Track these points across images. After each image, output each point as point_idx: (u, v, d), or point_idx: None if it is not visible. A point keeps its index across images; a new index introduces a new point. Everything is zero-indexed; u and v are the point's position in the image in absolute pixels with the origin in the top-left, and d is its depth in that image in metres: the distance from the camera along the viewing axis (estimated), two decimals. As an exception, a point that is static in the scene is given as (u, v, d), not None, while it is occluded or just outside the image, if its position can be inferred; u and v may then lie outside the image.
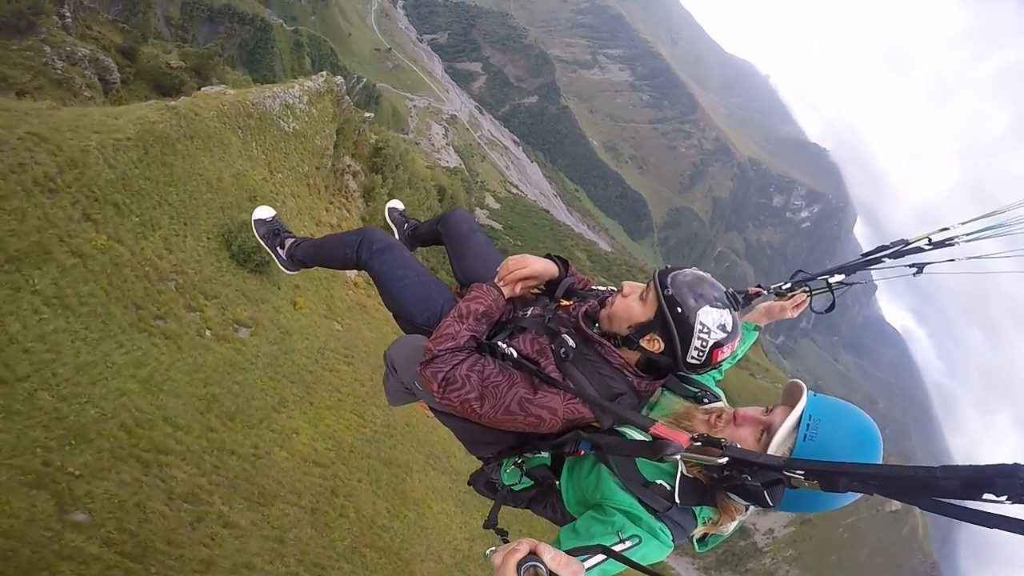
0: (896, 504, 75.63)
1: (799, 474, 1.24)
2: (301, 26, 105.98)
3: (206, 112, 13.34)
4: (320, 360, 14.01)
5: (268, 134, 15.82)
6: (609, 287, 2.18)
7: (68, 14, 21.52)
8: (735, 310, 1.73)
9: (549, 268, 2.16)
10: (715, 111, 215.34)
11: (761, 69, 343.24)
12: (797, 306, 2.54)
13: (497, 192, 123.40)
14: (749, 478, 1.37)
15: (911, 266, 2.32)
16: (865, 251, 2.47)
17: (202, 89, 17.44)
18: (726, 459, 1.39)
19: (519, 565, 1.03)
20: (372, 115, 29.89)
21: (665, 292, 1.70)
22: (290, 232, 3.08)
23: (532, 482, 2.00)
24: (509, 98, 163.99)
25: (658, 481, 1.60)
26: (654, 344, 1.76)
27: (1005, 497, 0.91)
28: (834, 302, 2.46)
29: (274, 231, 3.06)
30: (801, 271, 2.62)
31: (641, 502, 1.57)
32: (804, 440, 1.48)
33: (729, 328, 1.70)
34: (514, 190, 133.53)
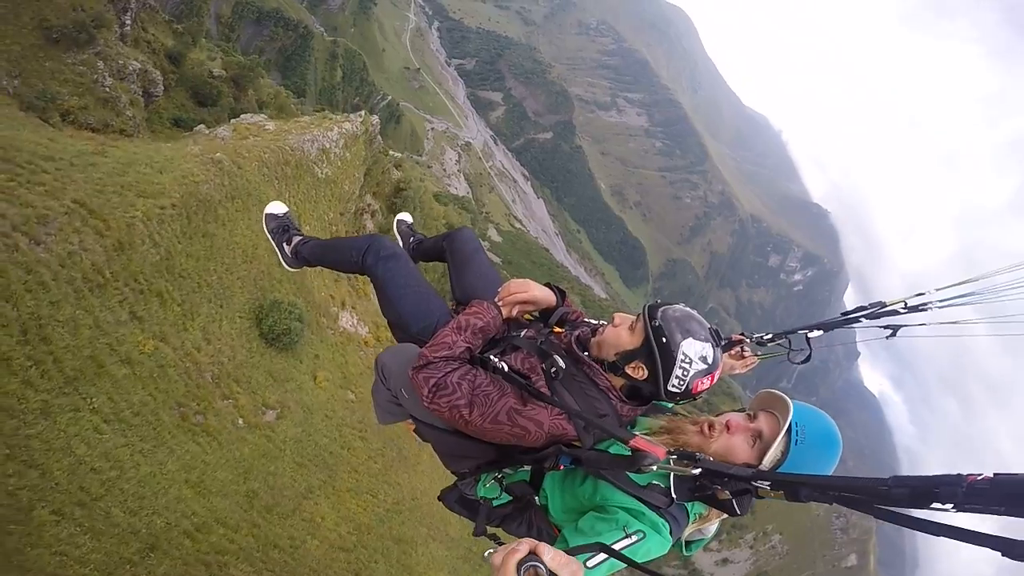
0: (852, 560, 78.18)
1: (766, 485, 1.36)
2: (340, 37, 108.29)
3: (248, 164, 13.66)
4: (339, 438, 14.77)
5: (302, 182, 16.08)
6: (601, 321, 2.24)
7: (128, 21, 21.34)
8: (717, 346, 1.83)
9: (547, 296, 2.31)
10: (724, 164, 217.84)
11: (775, 123, 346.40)
12: (747, 365, 2.67)
13: (501, 225, 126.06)
14: (719, 488, 1.53)
15: (886, 327, 2.38)
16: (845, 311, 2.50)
17: (240, 118, 17.85)
18: (699, 470, 1.50)
19: (519, 565, 1.03)
20: (399, 155, 30.69)
21: (653, 323, 1.82)
22: (299, 230, 3.15)
23: (510, 498, 2.11)
24: (525, 131, 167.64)
25: (653, 482, 1.74)
26: (638, 371, 1.87)
27: (951, 505, 0.99)
28: (810, 355, 2.52)
29: (283, 227, 3.13)
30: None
31: (642, 500, 1.70)
32: (796, 444, 1.66)
33: (710, 361, 1.79)
34: (517, 225, 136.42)
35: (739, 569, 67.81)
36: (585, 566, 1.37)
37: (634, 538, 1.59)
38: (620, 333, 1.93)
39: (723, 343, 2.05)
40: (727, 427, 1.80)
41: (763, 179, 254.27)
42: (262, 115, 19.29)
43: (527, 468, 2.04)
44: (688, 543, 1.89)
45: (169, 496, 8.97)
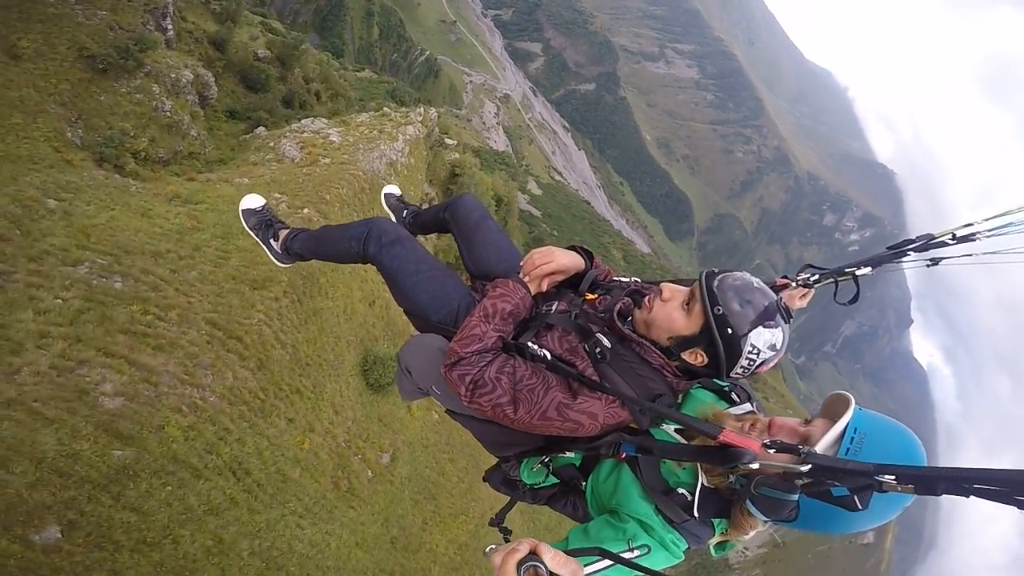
0: (869, 537, 76.06)
1: (891, 479, 1.20)
2: None
3: (332, 210, 13.53)
4: (436, 466, 15.81)
5: (376, 205, 16.46)
6: (632, 278, 2.11)
7: (170, 26, 20.25)
8: (786, 323, 1.66)
9: (575, 261, 2.07)
10: (782, 119, 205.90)
11: (840, 80, 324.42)
12: (803, 296, 2.51)
13: (540, 177, 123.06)
14: (835, 484, 1.31)
15: (931, 259, 2.33)
16: (894, 247, 2.40)
17: (301, 124, 17.29)
18: (809, 466, 1.31)
19: (519, 565, 1.02)
20: (455, 142, 30.40)
21: (716, 311, 1.62)
22: (283, 223, 2.92)
23: (556, 481, 1.95)
24: (565, 82, 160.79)
25: (679, 490, 1.56)
26: (697, 358, 1.71)
27: None
28: (858, 293, 2.43)
29: (266, 222, 2.88)
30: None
31: (658, 511, 1.53)
32: (846, 454, 1.40)
33: (779, 346, 1.64)
34: (557, 177, 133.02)
35: (754, 539, 65.67)
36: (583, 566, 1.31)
37: (636, 552, 1.47)
38: (672, 315, 1.74)
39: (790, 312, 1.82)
40: (769, 427, 1.57)
41: (823, 136, 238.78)
42: (322, 121, 18.52)
43: (574, 454, 1.87)
44: (719, 545, 1.66)
45: (351, 560, 10.84)
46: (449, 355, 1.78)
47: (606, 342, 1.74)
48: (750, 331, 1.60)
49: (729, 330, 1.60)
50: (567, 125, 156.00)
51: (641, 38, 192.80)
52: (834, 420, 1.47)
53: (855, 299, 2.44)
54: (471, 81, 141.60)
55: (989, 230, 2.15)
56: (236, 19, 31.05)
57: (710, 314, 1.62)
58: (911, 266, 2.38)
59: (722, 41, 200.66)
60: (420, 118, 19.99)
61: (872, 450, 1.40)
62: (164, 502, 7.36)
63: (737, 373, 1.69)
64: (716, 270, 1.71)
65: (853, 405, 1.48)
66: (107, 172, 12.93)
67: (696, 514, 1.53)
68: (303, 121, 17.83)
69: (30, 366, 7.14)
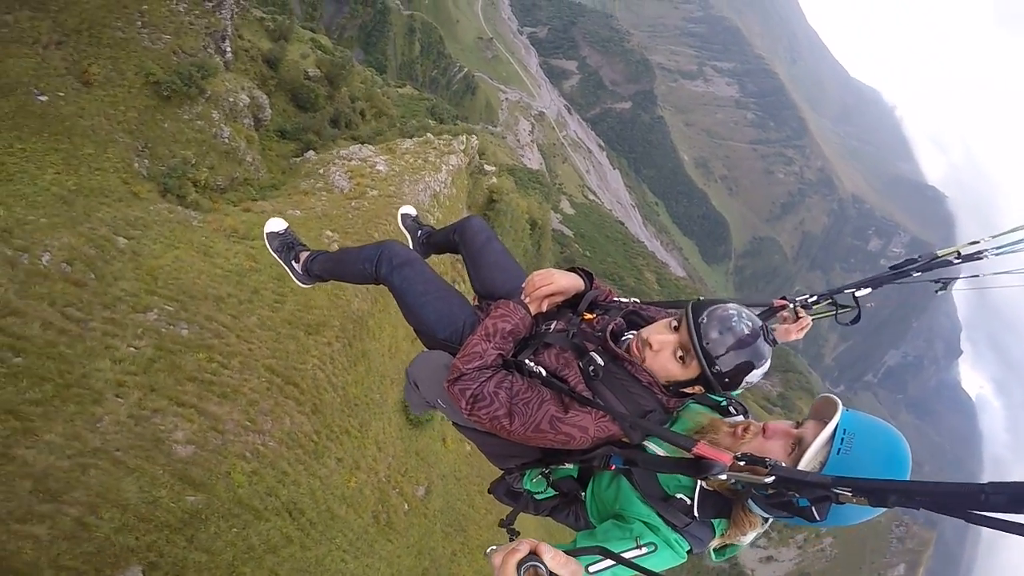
0: (900, 570, 74.02)
1: (847, 491, 1.23)
2: (416, 11, 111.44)
3: None
4: (466, 498, 16.16)
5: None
6: (632, 299, 2.19)
7: (228, 48, 20.55)
8: (772, 347, 1.74)
9: (575, 283, 2.17)
10: (825, 139, 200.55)
11: (888, 99, 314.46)
12: (802, 328, 2.48)
13: (574, 197, 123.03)
14: (796, 495, 1.36)
15: (937, 280, 2.27)
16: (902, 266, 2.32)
17: (350, 151, 17.67)
18: (772, 478, 1.36)
19: (519, 565, 1.03)
20: (494, 168, 31.14)
21: (713, 369, 1.68)
22: (304, 245, 3.06)
23: (556, 492, 2.03)
24: (601, 101, 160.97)
25: (678, 495, 1.62)
26: (695, 390, 1.81)
27: None
28: (859, 315, 2.39)
29: (288, 244, 3.03)
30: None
31: (660, 515, 1.59)
32: (837, 454, 1.47)
33: (767, 368, 1.72)
34: (591, 196, 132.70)
35: (782, 568, 65.41)
36: (587, 571, 1.37)
37: (644, 550, 1.53)
38: (667, 366, 1.80)
39: (770, 320, 2.02)
40: (763, 430, 1.65)
41: (870, 157, 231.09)
42: (369, 148, 19.36)
43: (572, 466, 1.96)
44: (719, 549, 1.72)
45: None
46: (452, 371, 1.89)
47: (599, 360, 1.83)
48: (747, 374, 1.69)
49: (727, 380, 1.70)
50: (602, 144, 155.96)
51: (679, 56, 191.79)
52: (825, 422, 1.55)
53: (856, 320, 2.42)
54: (507, 98, 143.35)
55: (996, 248, 2.07)
56: (288, 36, 32.91)
57: (708, 372, 1.70)
58: (917, 286, 2.28)
59: (763, 59, 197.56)
60: (463, 147, 20.43)
61: (861, 449, 1.48)
62: (230, 543, 7.86)
63: (731, 395, 1.81)
64: (702, 306, 1.76)
65: (840, 407, 1.56)
66: (171, 205, 13.51)
67: (697, 515, 1.60)
68: (351, 148, 18.48)
69: (111, 415, 7.74)
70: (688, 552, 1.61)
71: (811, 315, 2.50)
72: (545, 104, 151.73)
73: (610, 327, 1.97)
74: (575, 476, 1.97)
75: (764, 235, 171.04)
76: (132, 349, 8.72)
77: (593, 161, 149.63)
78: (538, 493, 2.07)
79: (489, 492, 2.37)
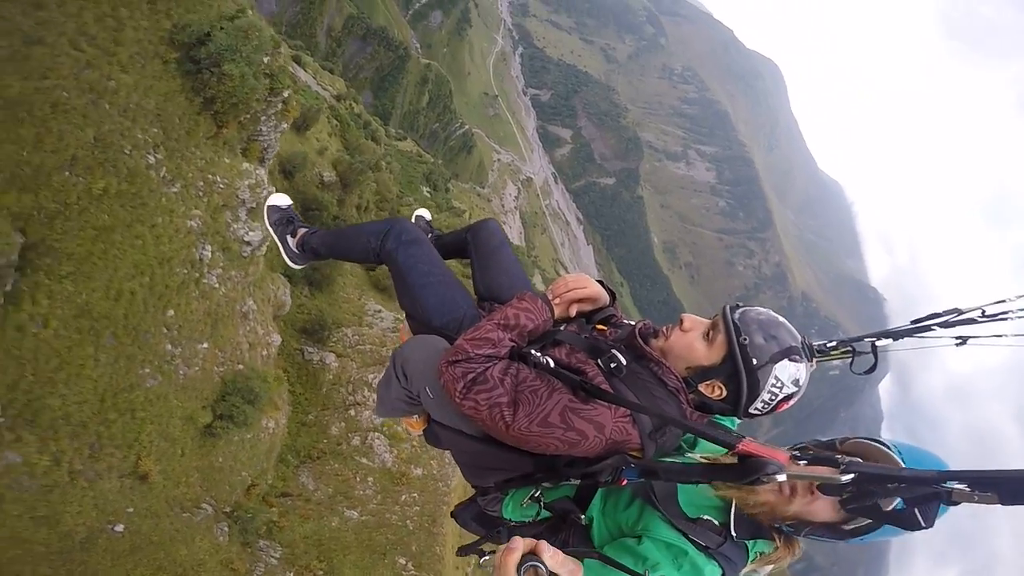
0: None
1: (963, 486, 1.07)
2: (432, 60, 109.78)
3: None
4: None
5: None
6: (644, 320, 2.01)
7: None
8: (810, 361, 1.59)
9: (603, 295, 2.06)
10: (787, 232, 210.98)
11: (848, 193, 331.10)
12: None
13: (546, 271, 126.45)
14: (883, 497, 1.21)
15: (957, 338, 2.12)
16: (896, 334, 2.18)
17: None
18: (850, 476, 1.18)
19: (519, 565, 1.01)
20: None
21: (740, 339, 1.55)
22: (304, 223, 2.90)
23: (548, 515, 1.76)
24: (588, 173, 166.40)
25: (704, 516, 1.47)
26: (715, 390, 1.63)
27: None
28: (876, 363, 2.21)
29: (287, 219, 2.87)
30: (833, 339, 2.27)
31: (688, 538, 1.42)
32: None
33: (802, 382, 1.56)
34: (562, 271, 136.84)
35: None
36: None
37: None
38: (692, 344, 1.67)
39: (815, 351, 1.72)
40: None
41: (822, 251, 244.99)
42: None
43: (573, 483, 1.69)
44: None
45: None
46: (455, 351, 1.68)
47: (622, 358, 1.65)
48: (776, 363, 1.53)
49: (754, 360, 1.54)
50: (580, 217, 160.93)
51: (668, 136, 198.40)
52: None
53: (872, 369, 2.24)
54: (499, 159, 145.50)
55: (1020, 309, 1.98)
56: (312, 123, 30.91)
57: (735, 342, 1.55)
58: (937, 345, 2.19)
59: (744, 146, 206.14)
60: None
61: (912, 464, 1.34)
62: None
63: (757, 409, 1.61)
64: (739, 304, 1.67)
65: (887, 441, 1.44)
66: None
67: (733, 533, 1.43)
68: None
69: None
70: None
71: (822, 359, 2.33)
72: (534, 170, 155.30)
73: (639, 326, 1.85)
74: (571, 496, 1.71)
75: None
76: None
77: (569, 234, 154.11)
78: (524, 519, 1.81)
79: (452, 516, 2.17)
